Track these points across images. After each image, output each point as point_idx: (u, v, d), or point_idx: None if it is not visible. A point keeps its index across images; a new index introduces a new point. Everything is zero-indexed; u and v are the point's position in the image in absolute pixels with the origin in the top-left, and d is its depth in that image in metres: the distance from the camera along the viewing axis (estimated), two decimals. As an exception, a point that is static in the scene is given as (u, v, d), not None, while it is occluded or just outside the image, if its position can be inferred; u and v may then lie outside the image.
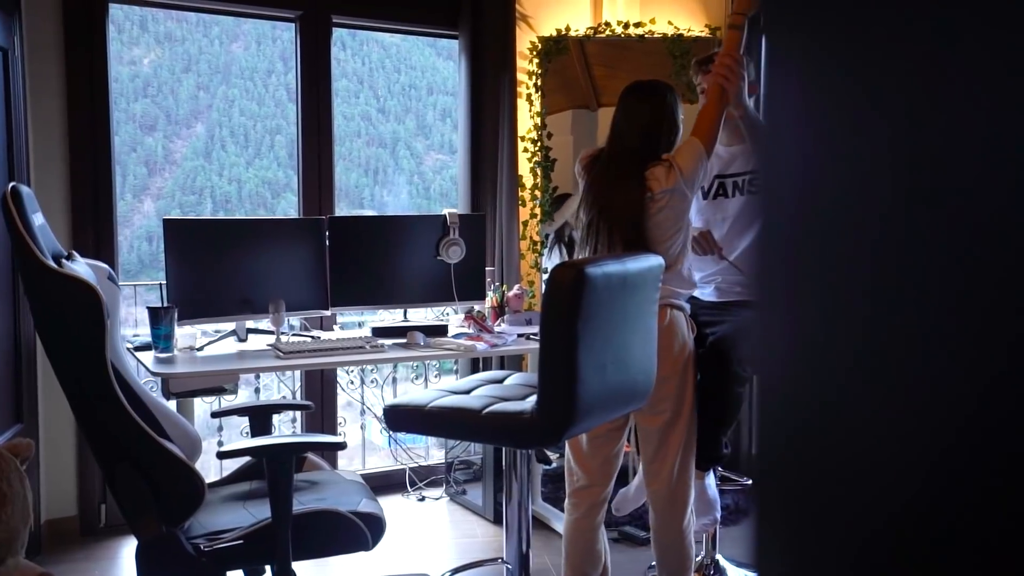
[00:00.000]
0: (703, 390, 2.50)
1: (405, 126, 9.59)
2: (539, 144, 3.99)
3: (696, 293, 2.82)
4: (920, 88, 0.39)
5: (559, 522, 3.47)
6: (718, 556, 3.03)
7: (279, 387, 4.18)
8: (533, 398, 2.09)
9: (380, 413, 3.95)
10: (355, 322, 4.23)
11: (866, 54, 0.41)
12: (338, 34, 3.90)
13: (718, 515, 2.71)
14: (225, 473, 2.54)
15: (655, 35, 4.05)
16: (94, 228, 3.42)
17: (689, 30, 4.09)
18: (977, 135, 0.37)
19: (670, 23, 4.08)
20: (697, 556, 3.05)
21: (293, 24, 3.84)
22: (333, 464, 3.88)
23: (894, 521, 0.41)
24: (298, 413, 4.00)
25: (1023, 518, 0.36)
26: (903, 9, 0.40)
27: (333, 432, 3.94)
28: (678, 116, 2.50)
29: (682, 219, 2.42)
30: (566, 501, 2.56)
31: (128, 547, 3.35)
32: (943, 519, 0.39)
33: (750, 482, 3.73)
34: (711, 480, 2.68)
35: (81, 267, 2.00)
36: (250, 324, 3.18)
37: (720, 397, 2.48)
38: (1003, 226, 0.37)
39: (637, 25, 4.05)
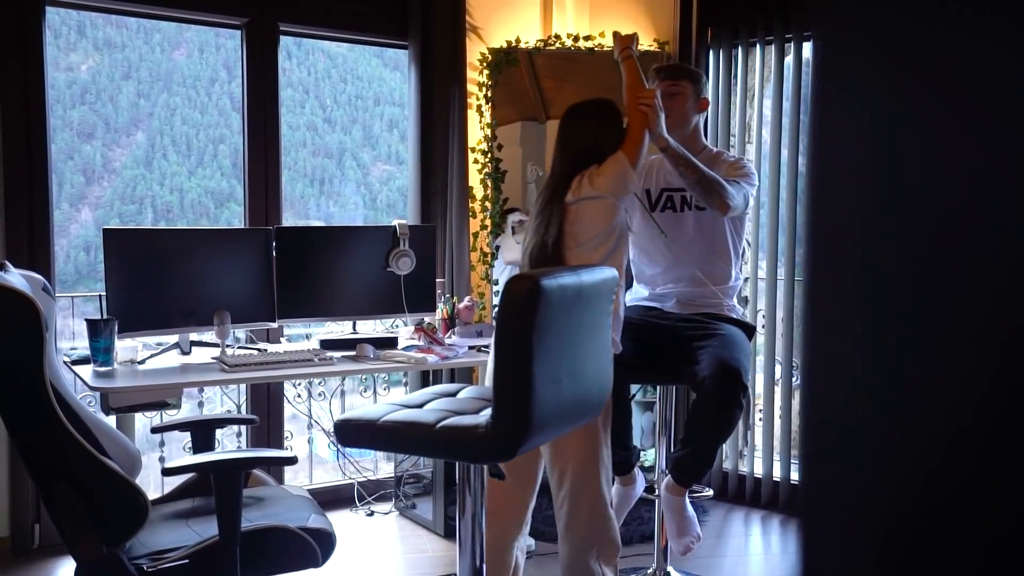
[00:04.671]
0: (707, 408, 2.51)
1: (352, 137, 9.50)
2: (489, 155, 3.98)
3: (655, 304, 2.83)
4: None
5: (510, 535, 3.45)
6: (669, 568, 3.03)
7: (223, 401, 4.09)
8: (487, 412, 2.07)
9: (328, 427, 3.89)
10: (302, 334, 4.16)
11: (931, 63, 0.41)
12: (283, 43, 3.84)
13: (699, 531, 2.74)
14: (167, 490, 2.46)
15: (604, 48, 4.08)
16: (29, 238, 3.30)
17: (639, 44, 4.12)
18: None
19: (619, 37, 4.10)
20: (648, 568, 3.06)
21: (238, 31, 3.77)
22: (279, 479, 3.80)
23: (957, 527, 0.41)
24: (243, 427, 3.91)
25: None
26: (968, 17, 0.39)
27: (279, 446, 3.86)
28: (619, 129, 2.54)
29: (600, 226, 2.45)
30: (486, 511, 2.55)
31: (65, 568, 3.23)
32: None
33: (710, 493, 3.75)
34: (687, 501, 2.71)
35: (15, 278, 1.92)
36: (194, 337, 3.10)
37: (729, 415, 2.52)
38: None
39: (587, 38, 4.07)
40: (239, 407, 3.93)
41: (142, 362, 2.84)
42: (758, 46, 4.08)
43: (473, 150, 3.96)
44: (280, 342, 3.59)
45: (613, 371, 2.33)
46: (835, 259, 0.46)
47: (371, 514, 3.86)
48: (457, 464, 2.28)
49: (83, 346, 2.78)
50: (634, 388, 4.28)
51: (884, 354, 0.43)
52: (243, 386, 3.85)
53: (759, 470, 4.05)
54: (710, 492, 3.72)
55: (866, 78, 0.43)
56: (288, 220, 4.76)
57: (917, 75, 0.41)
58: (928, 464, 0.42)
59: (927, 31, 0.41)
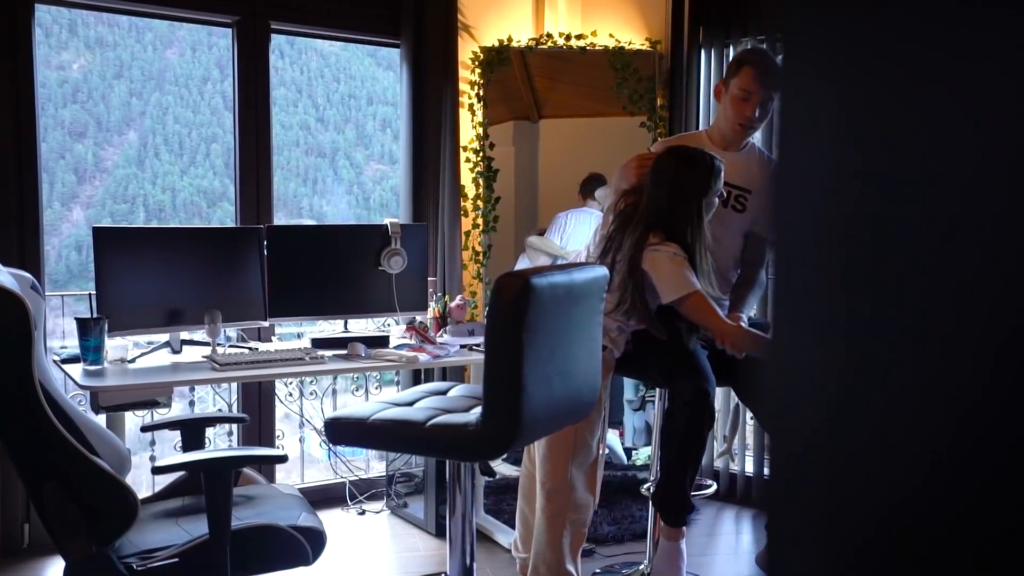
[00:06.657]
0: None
1: (344, 136, 9.48)
2: (481, 154, 3.98)
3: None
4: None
5: (502, 535, 3.45)
6: (660, 566, 3.03)
7: (215, 400, 4.08)
8: (477, 410, 2.07)
9: (319, 425, 3.88)
10: (294, 333, 4.16)
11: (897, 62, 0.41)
12: (276, 42, 3.84)
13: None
14: (157, 489, 2.46)
15: (597, 47, 4.08)
16: (19, 237, 3.29)
17: (631, 43, 4.13)
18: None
19: (611, 36, 4.11)
20: (639, 565, 3.06)
21: (230, 30, 3.76)
22: (270, 478, 3.79)
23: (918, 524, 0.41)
24: (234, 426, 3.91)
25: None
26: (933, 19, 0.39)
27: (271, 445, 3.85)
28: (706, 187, 2.56)
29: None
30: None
31: (55, 568, 3.22)
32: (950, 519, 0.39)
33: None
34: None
35: (3, 276, 1.91)
36: (185, 335, 3.10)
37: None
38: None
39: (579, 37, 4.08)
40: (230, 406, 3.92)
41: (132, 361, 2.84)
42: (750, 45, 4.08)
43: (465, 149, 3.96)
44: (271, 341, 3.58)
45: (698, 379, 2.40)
46: (804, 260, 0.46)
47: (362, 513, 3.86)
48: (448, 462, 2.28)
49: (74, 345, 2.77)
50: (631, 388, 4.28)
51: (857, 365, 0.43)
52: (234, 385, 3.84)
53: (750, 469, 4.06)
54: (713, 486, 3.71)
55: (831, 69, 0.44)
56: (280, 219, 4.75)
57: (884, 64, 0.41)
58: (898, 492, 0.41)
59: (891, 19, 0.41)
